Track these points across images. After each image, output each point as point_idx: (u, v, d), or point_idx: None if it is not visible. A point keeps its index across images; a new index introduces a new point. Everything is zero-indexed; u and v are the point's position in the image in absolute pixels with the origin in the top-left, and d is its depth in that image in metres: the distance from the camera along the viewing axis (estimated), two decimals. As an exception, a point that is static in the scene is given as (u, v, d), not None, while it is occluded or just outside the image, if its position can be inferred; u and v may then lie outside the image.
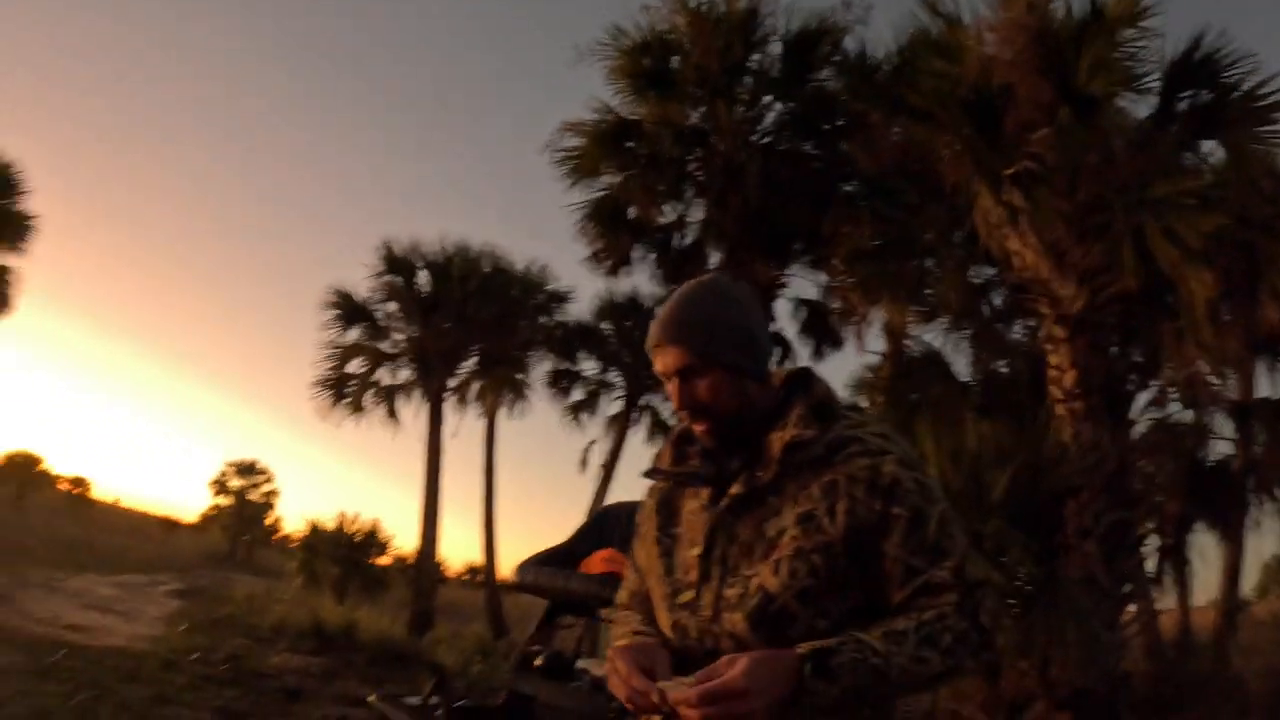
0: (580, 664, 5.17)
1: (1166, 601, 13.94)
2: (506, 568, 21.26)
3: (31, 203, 21.76)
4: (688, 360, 1.80)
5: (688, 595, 1.88)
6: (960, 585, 1.72)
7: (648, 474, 2.04)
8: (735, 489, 1.83)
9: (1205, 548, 13.58)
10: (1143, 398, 10.08)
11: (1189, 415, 11.93)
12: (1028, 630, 7.40)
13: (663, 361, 1.84)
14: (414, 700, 4.94)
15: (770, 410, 1.87)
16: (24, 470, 52.85)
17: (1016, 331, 11.74)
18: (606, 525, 5.02)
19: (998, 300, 11.52)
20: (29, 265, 21.54)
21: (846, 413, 1.88)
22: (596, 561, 4.76)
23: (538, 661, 5.06)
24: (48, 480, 59.24)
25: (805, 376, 1.93)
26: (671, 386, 1.85)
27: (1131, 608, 9.43)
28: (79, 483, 66.49)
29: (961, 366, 11.53)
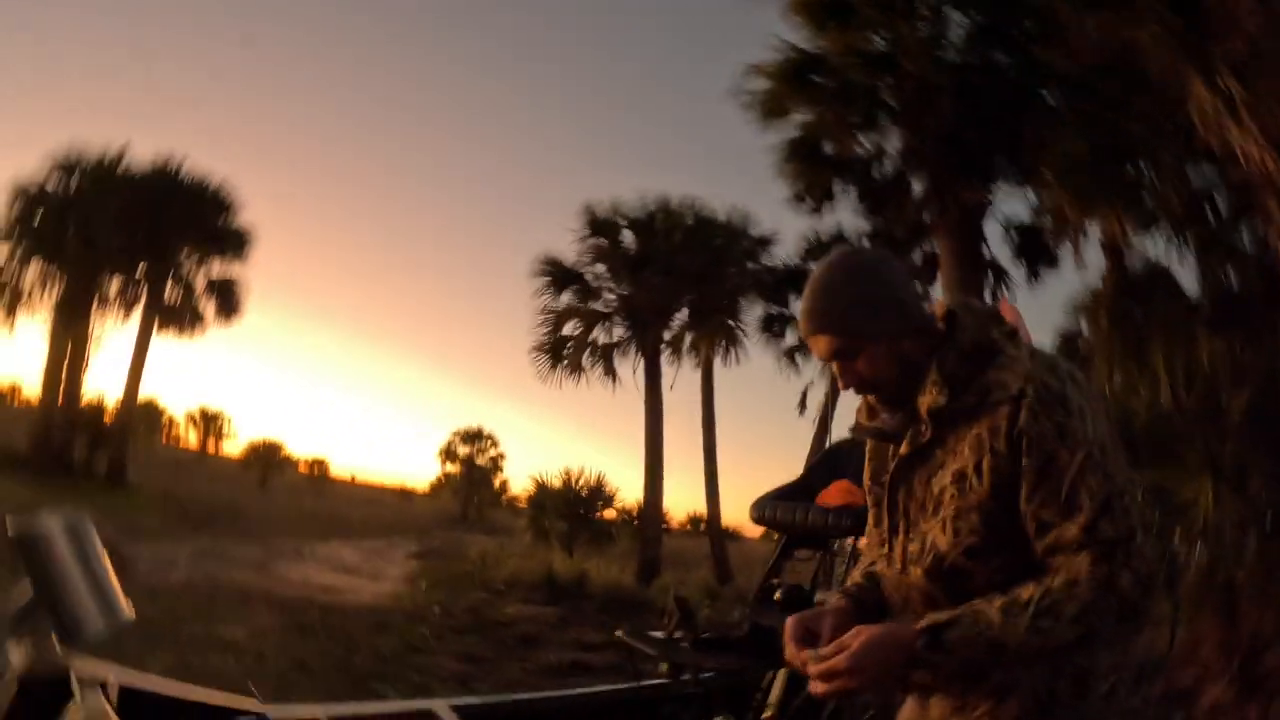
0: (819, 596, 5.15)
1: None
2: (729, 516, 21.42)
3: (247, 216, 23.26)
4: (837, 344, 1.80)
5: (883, 547, 1.98)
6: (1094, 544, 1.62)
7: (852, 430, 2.07)
8: (904, 448, 1.86)
9: None
10: None
11: None
12: (1271, 566, 7.01)
13: (817, 350, 1.85)
14: (659, 634, 5.01)
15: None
16: (266, 456, 56.12)
17: (1243, 238, 10.98)
18: (840, 459, 4.99)
19: (1223, 204, 10.82)
20: (253, 272, 23.00)
21: (1003, 346, 1.81)
22: (832, 493, 4.75)
23: (777, 595, 5.12)
24: (289, 464, 62.84)
25: (952, 320, 1.86)
26: (834, 370, 1.87)
27: None
28: (317, 464, 70.35)
29: (1188, 279, 10.82)
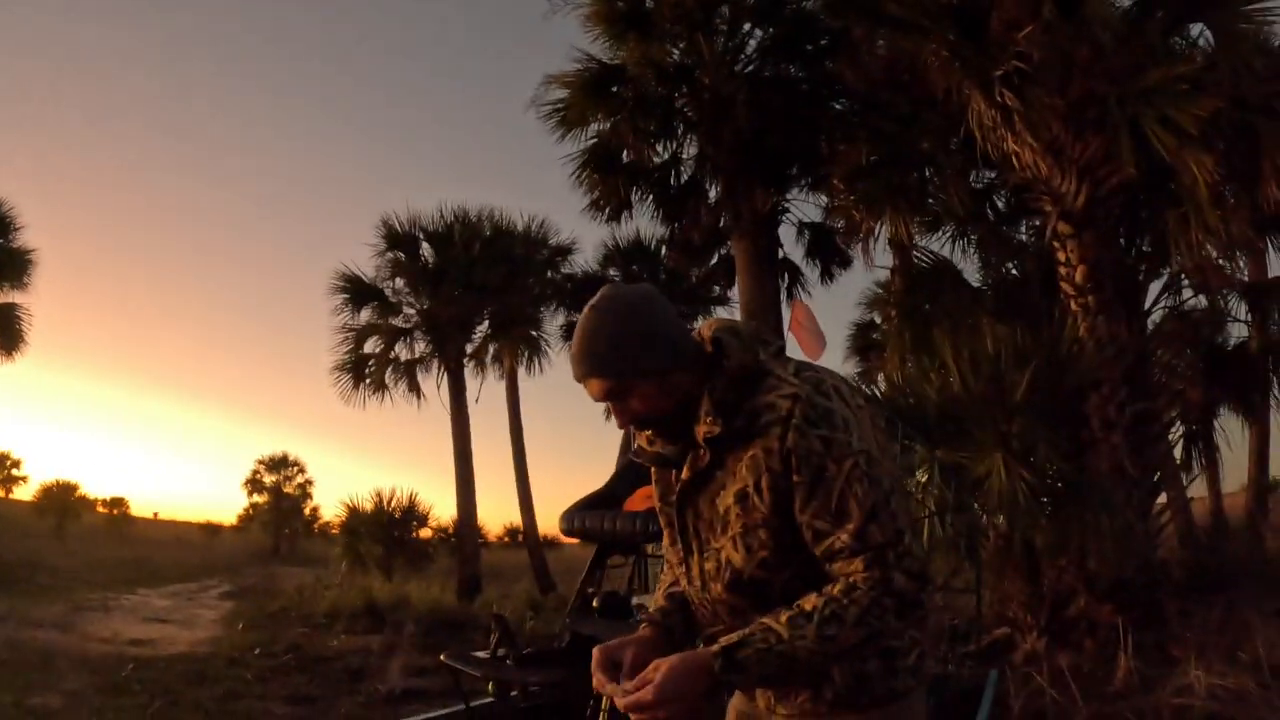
0: (636, 600, 5.33)
1: (1198, 489, 14.32)
2: (545, 525, 21.54)
3: (27, 238, 21.87)
4: (608, 386, 1.85)
5: (681, 566, 2.07)
6: (865, 549, 1.73)
7: (634, 455, 2.11)
8: (685, 473, 1.95)
9: (1231, 432, 13.55)
10: (1155, 288, 9.99)
11: (1202, 301, 11.84)
12: (1063, 527, 7.56)
13: (590, 392, 1.89)
14: (482, 654, 5.09)
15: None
16: (61, 499, 53.26)
17: (1023, 233, 11.69)
18: (643, 465, 5.16)
19: (1001, 203, 11.48)
20: (34, 301, 21.71)
21: (771, 367, 1.88)
22: (637, 500, 4.90)
23: (595, 603, 5.24)
24: (86, 505, 59.73)
25: (719, 347, 1.90)
26: (611, 410, 1.93)
27: (1163, 497, 9.42)
28: (117, 503, 67.09)
29: (972, 272, 11.53)
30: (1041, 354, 7.66)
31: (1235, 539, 12.16)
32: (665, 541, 2.12)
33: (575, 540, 5.24)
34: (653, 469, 2.10)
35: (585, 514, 4.98)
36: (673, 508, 2.03)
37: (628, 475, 5.17)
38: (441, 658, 4.86)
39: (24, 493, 61.05)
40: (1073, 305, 8.51)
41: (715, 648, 1.75)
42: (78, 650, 9.56)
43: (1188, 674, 5.70)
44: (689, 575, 2.03)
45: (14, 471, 64.39)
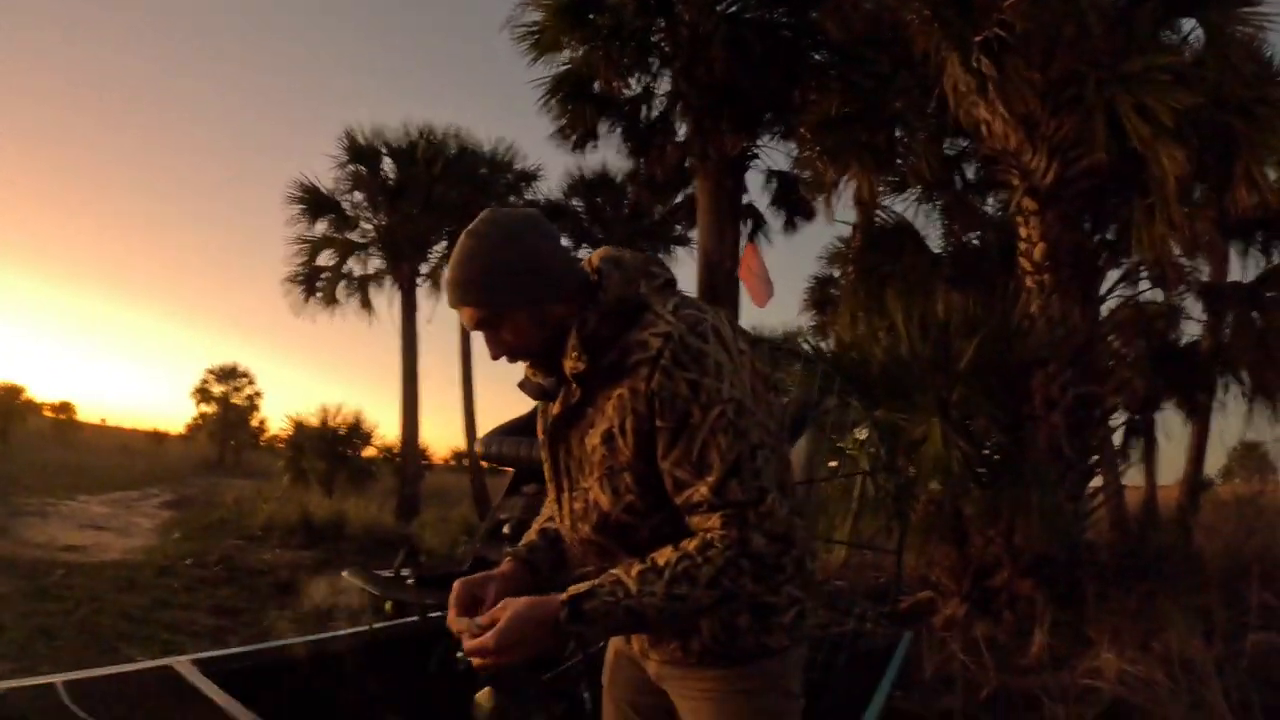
0: None
1: (1134, 478, 14.51)
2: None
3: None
4: (480, 314, 1.79)
5: (553, 503, 2.06)
6: (723, 505, 1.67)
7: (519, 385, 2.01)
8: (556, 408, 1.90)
9: (1172, 427, 13.74)
10: (1113, 276, 9.92)
11: (1159, 295, 11.93)
12: (994, 499, 7.63)
13: (464, 320, 1.83)
14: (385, 573, 5.16)
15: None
16: (5, 402, 52.65)
17: (988, 205, 11.65)
18: None
19: (970, 172, 11.45)
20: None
21: (650, 302, 1.81)
22: None
23: (505, 529, 5.34)
24: (32, 409, 59.08)
25: (600, 275, 1.84)
26: (483, 339, 1.86)
27: (1098, 481, 9.52)
28: (64, 408, 66.42)
29: (933, 238, 11.55)
30: (991, 325, 7.69)
31: (1164, 531, 12.13)
32: (546, 476, 2.06)
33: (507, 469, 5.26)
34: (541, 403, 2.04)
35: (503, 439, 4.95)
36: (545, 443, 1.99)
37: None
38: (343, 574, 4.91)
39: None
40: (1028, 281, 8.53)
41: (563, 596, 1.69)
42: (9, 555, 9.55)
43: (1100, 657, 5.76)
44: (560, 513, 2.00)
45: (-42, 377, 63.48)
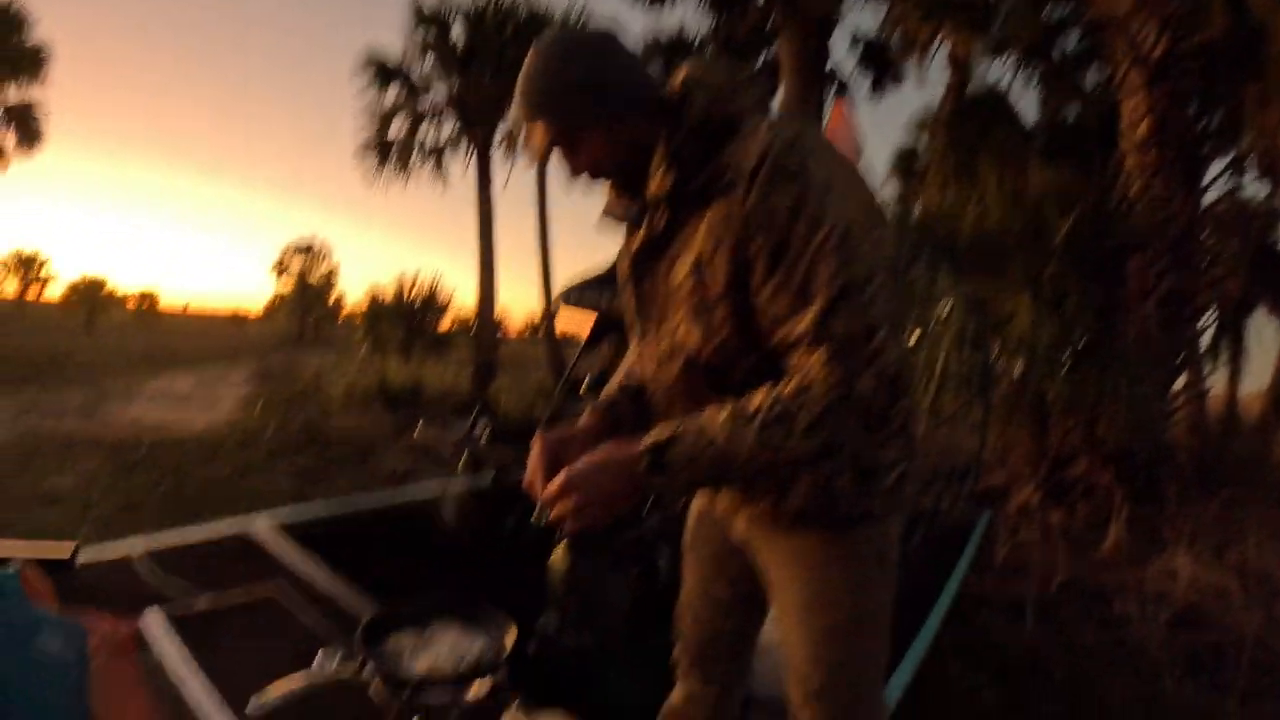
0: None
1: (1217, 382, 13.86)
2: (566, 321, 21.42)
3: (41, 34, 21.44)
4: (553, 132, 1.68)
5: (637, 346, 1.91)
6: (827, 340, 1.47)
7: (602, 212, 1.88)
8: (641, 237, 1.76)
9: (1262, 333, 13.27)
10: (1216, 167, 9.36)
11: (1262, 192, 11.35)
12: (1079, 384, 7.38)
13: (533, 139, 1.72)
14: (460, 429, 5.02)
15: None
16: (90, 296, 53.74)
17: (1089, 79, 11.03)
18: None
19: (1070, 42, 10.89)
20: (54, 95, 21.58)
21: (744, 118, 1.64)
22: None
23: (583, 386, 5.11)
24: (115, 301, 60.36)
25: (685, 90, 1.68)
26: (558, 159, 1.73)
27: (1181, 381, 9.16)
28: (146, 297, 67.82)
29: (1028, 108, 10.96)
30: (1088, 203, 7.39)
31: (1245, 439, 11.83)
32: (628, 318, 1.94)
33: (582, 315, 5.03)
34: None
35: (584, 289, 4.78)
36: (628, 282, 1.85)
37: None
38: (417, 431, 4.81)
39: (54, 292, 61.64)
40: (1130, 161, 8.00)
41: (644, 443, 1.53)
42: (97, 435, 9.68)
43: (1174, 559, 5.62)
44: (643, 358, 1.87)
45: (42, 273, 64.91)
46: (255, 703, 1.63)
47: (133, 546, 3.13)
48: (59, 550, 2.85)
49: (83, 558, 2.94)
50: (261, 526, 3.58)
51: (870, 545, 1.79)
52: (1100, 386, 7.28)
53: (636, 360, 1.94)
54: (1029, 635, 4.69)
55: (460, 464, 4.69)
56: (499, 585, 2.48)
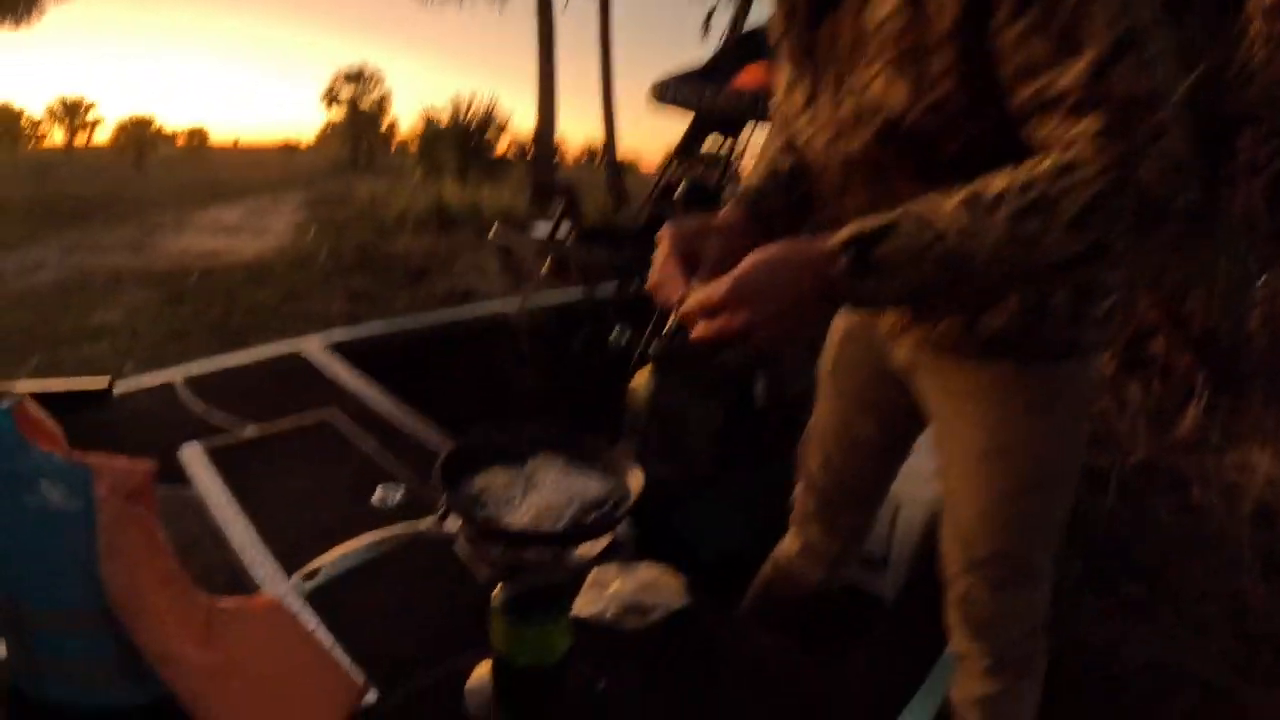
0: (729, 192, 4.66)
1: None
2: (626, 147, 20.76)
3: None
4: None
5: (804, 116, 1.45)
6: (1104, 100, 1.02)
7: None
8: None
9: None
10: None
11: None
12: (1173, 256, 6.74)
13: None
14: (539, 229, 4.55)
15: None
16: (137, 135, 53.59)
17: None
18: (758, 42, 4.34)
19: None
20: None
21: None
22: (747, 76, 4.15)
23: (678, 192, 4.65)
24: (163, 138, 60.28)
25: None
26: None
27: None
28: (195, 134, 67.71)
29: None
30: (1210, 66, 6.57)
31: None
32: (780, 90, 1.53)
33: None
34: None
35: (682, 82, 4.23)
36: (798, 23, 1.38)
37: (737, 50, 4.41)
38: (490, 235, 4.28)
39: (102, 137, 61.50)
40: (1254, 27, 6.97)
41: (840, 236, 1.09)
42: (144, 268, 9.39)
43: (1252, 454, 5.22)
44: (813, 126, 1.42)
45: (88, 117, 64.74)
46: (300, 583, 1.08)
47: (174, 375, 2.78)
48: (95, 384, 2.56)
49: (120, 389, 2.64)
50: (314, 348, 3.16)
51: (1073, 386, 1.48)
52: (1198, 261, 6.67)
53: (799, 132, 1.49)
54: (1109, 510, 4.44)
55: (543, 270, 4.21)
56: (574, 412, 2.22)
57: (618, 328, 4.04)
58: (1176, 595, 3.57)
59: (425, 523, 1.22)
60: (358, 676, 1.42)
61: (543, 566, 1.25)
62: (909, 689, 1.75)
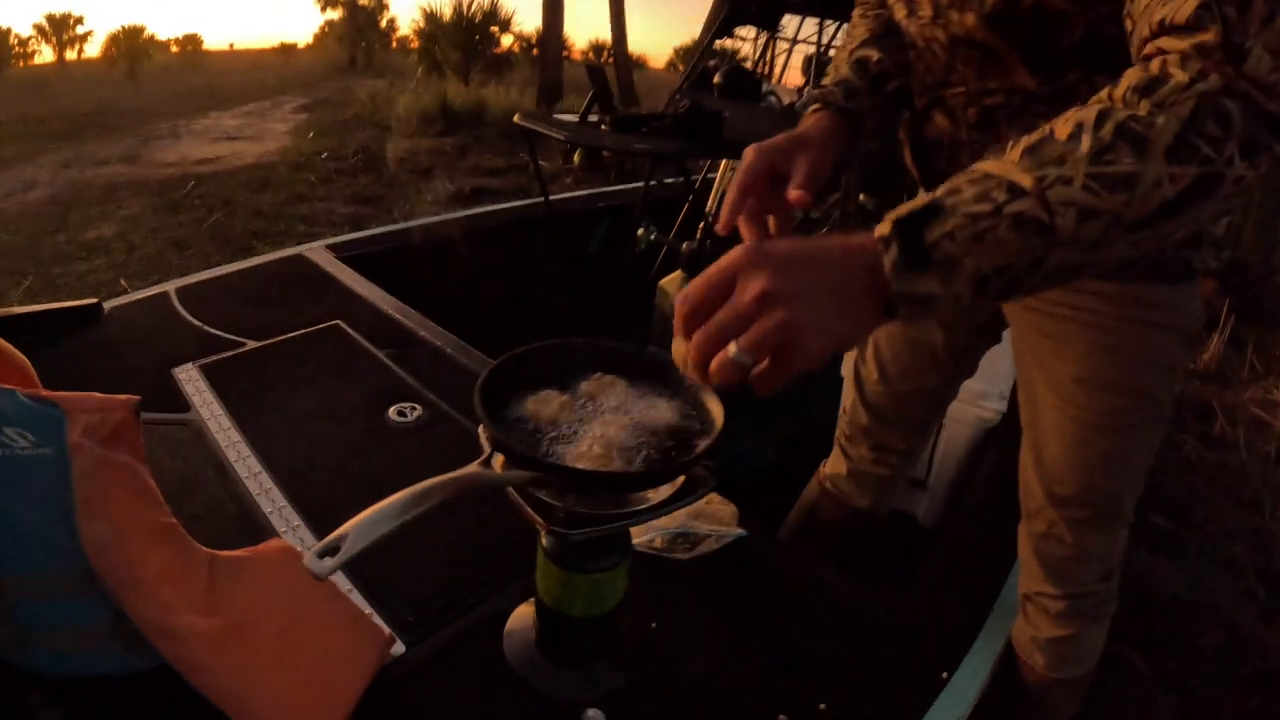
0: (768, 87, 4.43)
1: None
2: (635, 44, 20.16)
3: None
4: None
5: None
6: (1221, 12, 0.80)
7: None
8: None
9: None
10: None
11: None
12: None
13: None
14: (568, 116, 4.32)
15: None
16: (128, 44, 52.62)
17: None
18: None
19: None
20: None
21: None
22: None
23: (717, 77, 4.43)
24: (156, 46, 59.15)
25: None
26: None
27: None
28: (190, 40, 66.46)
29: None
30: None
31: None
32: None
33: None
34: None
35: None
36: None
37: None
38: (515, 118, 4.05)
39: (93, 50, 60.29)
40: None
41: (879, 230, 0.81)
42: (140, 179, 9.10)
43: (1276, 391, 5.02)
44: (913, 4, 1.26)
45: (77, 30, 63.42)
46: (321, 561, 0.83)
47: (168, 287, 2.61)
48: (82, 304, 2.37)
49: (111, 305, 2.47)
50: (319, 255, 2.96)
51: (1181, 314, 1.32)
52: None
53: (899, 4, 1.32)
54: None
55: (575, 161, 4.01)
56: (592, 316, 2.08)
57: (644, 225, 3.85)
58: (1202, 530, 3.46)
59: (469, 470, 1.00)
60: (383, 628, 1.28)
61: (611, 512, 1.04)
62: (968, 627, 1.62)
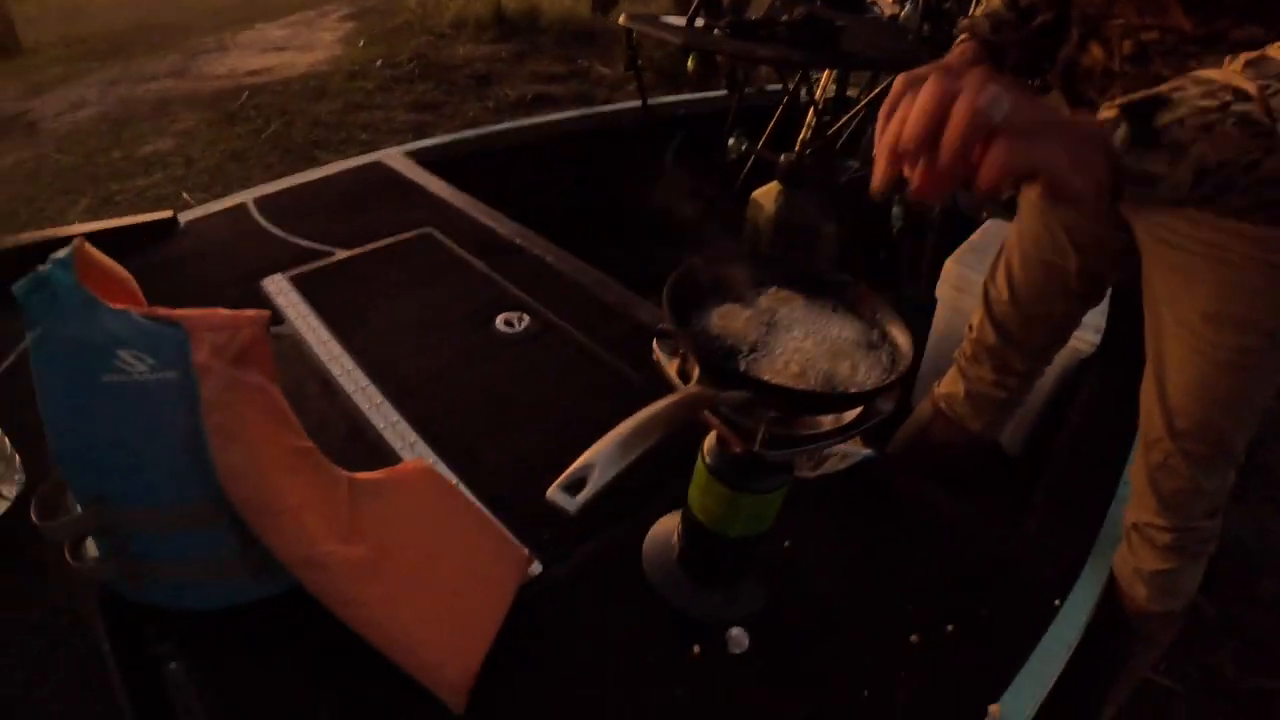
0: (892, 10, 4.20)
1: None
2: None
3: None
4: None
5: None
6: None
7: None
8: None
9: None
10: None
11: None
12: None
13: None
14: (674, 19, 4.14)
15: None
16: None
17: None
18: None
19: None
20: None
21: None
22: None
23: None
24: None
25: None
26: None
27: None
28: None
29: None
30: None
31: None
32: None
33: None
34: None
35: None
36: None
37: None
38: (620, 20, 3.87)
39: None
40: None
41: (1108, 110, 0.82)
42: (192, 92, 8.95)
43: None
44: None
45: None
46: (562, 494, 0.72)
47: (245, 197, 2.52)
48: (158, 216, 2.26)
49: (187, 218, 2.35)
50: (398, 160, 2.85)
51: None
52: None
53: None
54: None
55: (689, 67, 3.87)
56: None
57: (735, 134, 3.70)
58: (1266, 477, 3.37)
59: (691, 391, 0.89)
60: (520, 547, 1.28)
61: (809, 433, 0.98)
62: (1076, 555, 1.62)
